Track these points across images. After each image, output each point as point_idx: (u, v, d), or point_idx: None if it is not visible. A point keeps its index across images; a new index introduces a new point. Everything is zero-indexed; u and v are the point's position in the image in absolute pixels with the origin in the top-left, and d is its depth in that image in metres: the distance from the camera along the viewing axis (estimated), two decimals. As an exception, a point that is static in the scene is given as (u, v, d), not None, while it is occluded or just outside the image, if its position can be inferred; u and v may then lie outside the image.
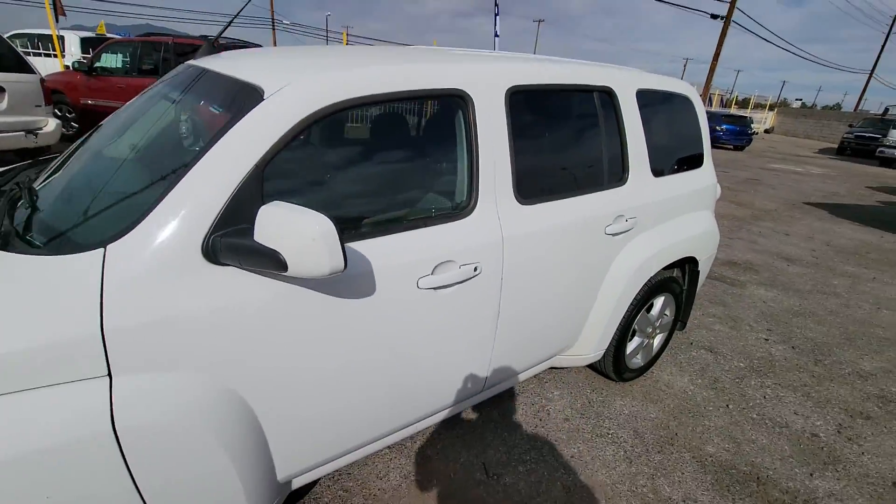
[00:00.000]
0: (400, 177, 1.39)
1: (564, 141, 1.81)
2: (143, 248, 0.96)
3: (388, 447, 1.91)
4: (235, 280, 1.05)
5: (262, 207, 0.97)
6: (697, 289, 2.62)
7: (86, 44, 10.55)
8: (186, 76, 1.53)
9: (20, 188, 1.30)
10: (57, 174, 1.40)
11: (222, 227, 1.02)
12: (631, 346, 2.36)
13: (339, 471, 1.79)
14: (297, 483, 1.42)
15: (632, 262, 2.01)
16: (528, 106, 1.59)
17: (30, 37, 10.22)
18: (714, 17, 21.28)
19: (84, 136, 1.61)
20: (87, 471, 0.90)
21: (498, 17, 12.58)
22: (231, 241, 1.00)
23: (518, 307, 1.64)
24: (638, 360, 2.47)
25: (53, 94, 6.22)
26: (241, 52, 1.55)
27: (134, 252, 0.96)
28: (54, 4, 8.49)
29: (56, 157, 1.62)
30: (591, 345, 2.09)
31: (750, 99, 32.40)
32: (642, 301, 2.20)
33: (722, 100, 31.26)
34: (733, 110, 25.53)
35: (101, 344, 0.91)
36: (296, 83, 1.13)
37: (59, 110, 7.23)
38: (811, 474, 1.97)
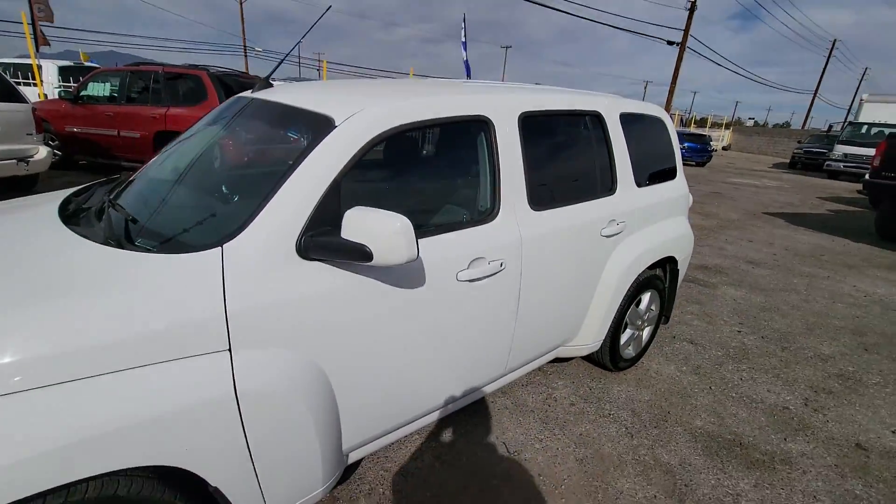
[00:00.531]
0: (439, 187, 1.66)
1: (565, 157, 2.12)
2: (251, 247, 1.19)
3: (419, 434, 2.11)
4: (318, 272, 1.28)
5: (349, 211, 1.21)
6: (678, 286, 2.95)
7: (64, 72, 10.57)
8: (254, 107, 1.76)
9: (142, 200, 1.50)
10: (159, 188, 1.61)
11: (311, 229, 1.26)
12: (624, 338, 2.64)
13: (378, 455, 1.98)
14: (352, 457, 1.62)
15: (623, 261, 2.31)
16: (535, 128, 1.89)
17: (6, 66, 10.16)
18: (670, 43, 22.74)
19: (160, 156, 1.82)
20: (215, 424, 1.10)
21: (466, 44, 13.14)
22: (320, 239, 1.24)
23: (533, 298, 1.90)
24: (630, 351, 2.76)
25: (38, 122, 6.24)
26: (299, 86, 1.80)
27: (244, 250, 1.18)
28: (35, 34, 8.51)
29: (132, 173, 1.81)
30: (592, 334, 2.36)
31: (707, 119, 34.37)
32: (632, 296, 2.50)
33: (682, 119, 33.03)
34: (693, 129, 27.04)
35: (225, 324, 1.12)
36: (361, 113, 1.39)
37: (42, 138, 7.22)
38: (785, 439, 2.27)
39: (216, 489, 1.16)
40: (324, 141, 1.33)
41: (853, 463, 2.14)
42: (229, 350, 1.14)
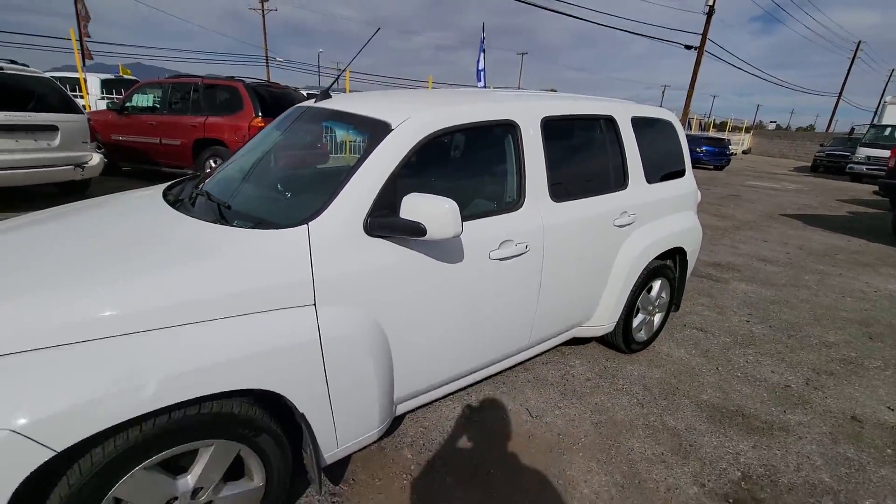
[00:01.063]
0: (474, 180, 1.96)
1: (581, 155, 2.40)
2: (329, 226, 1.50)
3: (451, 399, 2.39)
4: (380, 247, 1.59)
5: (406, 196, 1.51)
6: (687, 276, 3.18)
7: (106, 85, 11.26)
8: (315, 114, 2.09)
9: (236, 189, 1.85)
10: (251, 179, 1.97)
11: (374, 212, 1.56)
12: (636, 322, 2.89)
13: (417, 414, 2.27)
14: (399, 409, 1.91)
15: (634, 249, 2.57)
16: (555, 130, 2.18)
17: (56, 79, 10.84)
18: (688, 47, 22.73)
19: (243, 152, 2.17)
20: (303, 359, 1.40)
21: (484, 52, 13.53)
22: (383, 220, 1.55)
23: (553, 278, 2.18)
24: (642, 335, 3.00)
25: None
26: (355, 97, 2.12)
27: (325, 228, 1.49)
28: (82, 49, 9.15)
29: (205, 172, 2.16)
30: (606, 316, 2.62)
31: (727, 122, 34.03)
32: (643, 283, 2.75)
33: (700, 124, 32.83)
34: (712, 133, 26.87)
35: (312, 284, 1.43)
36: (413, 118, 1.70)
37: (90, 146, 7.77)
38: (784, 411, 2.49)
39: (302, 415, 1.46)
40: (383, 141, 1.64)
41: (847, 432, 2.35)
42: (314, 305, 1.45)
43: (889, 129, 16.57)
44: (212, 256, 1.36)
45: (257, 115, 6.80)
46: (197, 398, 1.25)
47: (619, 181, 2.52)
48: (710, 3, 21.50)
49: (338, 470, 1.90)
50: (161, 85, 7.67)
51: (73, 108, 5.95)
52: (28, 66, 5.90)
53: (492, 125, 1.93)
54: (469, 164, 2.03)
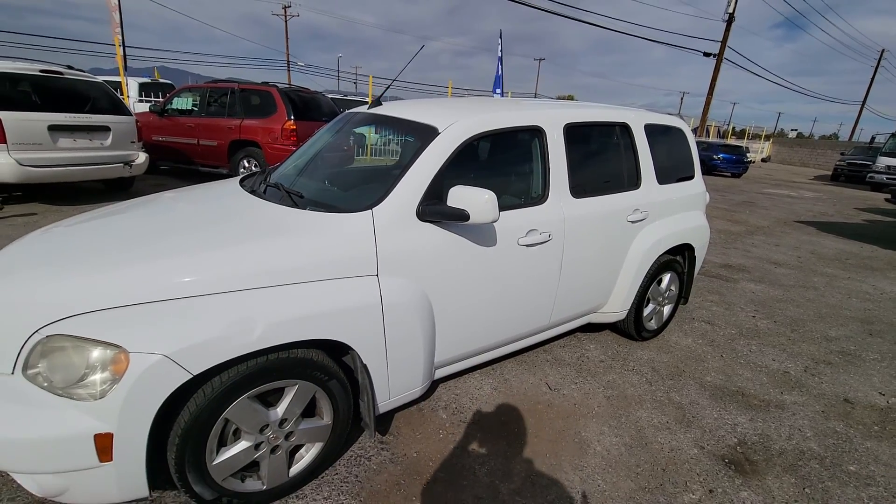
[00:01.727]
0: (506, 176, 2.26)
1: (598, 157, 2.69)
2: (389, 211, 1.82)
3: (479, 372, 2.69)
4: (429, 230, 1.90)
5: (452, 188, 1.82)
6: (695, 271, 3.44)
7: (142, 88, 11.87)
8: (366, 118, 2.43)
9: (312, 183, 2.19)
10: (314, 173, 2.32)
11: (425, 201, 1.88)
12: (647, 311, 3.15)
13: (449, 383, 2.57)
14: (437, 374, 2.21)
15: (646, 243, 2.84)
16: (576, 135, 2.48)
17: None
18: (707, 54, 22.75)
19: (305, 151, 2.52)
20: (369, 318, 1.72)
21: (502, 59, 13.86)
22: (432, 207, 1.86)
23: (572, 265, 2.47)
24: (652, 324, 3.26)
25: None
26: (404, 104, 2.45)
27: (385, 213, 1.81)
28: (124, 54, 9.71)
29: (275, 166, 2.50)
30: (619, 303, 2.90)
31: (746, 130, 33.79)
32: (654, 275, 3.01)
33: (719, 131, 32.65)
34: (730, 141, 26.75)
35: (375, 258, 1.75)
36: (456, 123, 2.01)
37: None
38: (782, 392, 2.73)
39: (365, 366, 1.78)
40: (432, 143, 1.96)
41: (838, 411, 2.59)
42: (377, 276, 1.77)
43: (913, 139, 16.42)
44: (301, 233, 1.70)
45: (290, 118, 7.20)
46: (288, 343, 1.57)
47: (632, 181, 2.80)
48: (731, 10, 21.52)
49: (384, 425, 2.21)
50: (200, 89, 8.15)
51: (122, 110, 6.42)
52: (84, 71, 6.40)
53: (522, 130, 2.24)
54: (502, 162, 2.33)
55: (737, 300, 4.22)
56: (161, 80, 12.81)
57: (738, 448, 2.22)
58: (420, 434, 2.17)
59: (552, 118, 2.36)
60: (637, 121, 2.86)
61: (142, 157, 6.65)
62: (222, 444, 1.57)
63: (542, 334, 2.63)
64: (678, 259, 3.24)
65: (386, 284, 1.77)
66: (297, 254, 1.62)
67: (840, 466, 2.15)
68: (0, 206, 5.10)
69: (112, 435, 1.33)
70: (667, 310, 3.34)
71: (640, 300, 3.01)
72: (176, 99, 8.27)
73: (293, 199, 1.99)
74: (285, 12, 43.10)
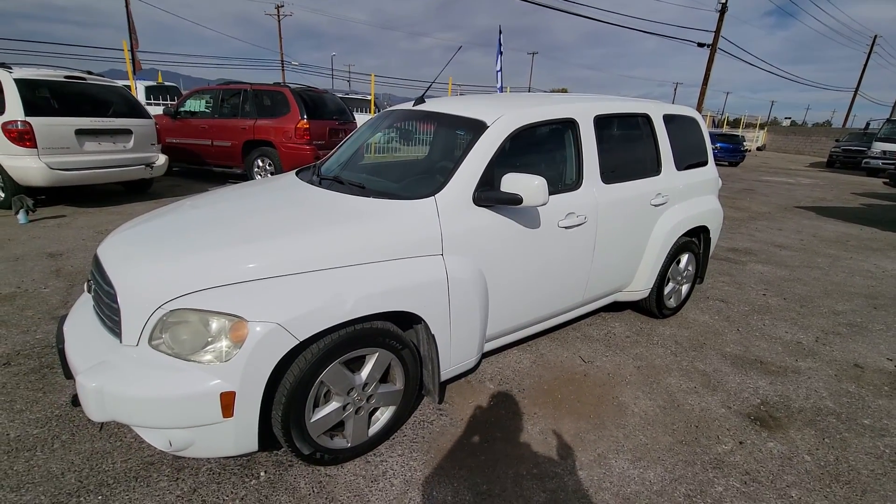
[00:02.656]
0: (545, 164, 2.47)
1: (624, 147, 2.89)
2: (449, 197, 2.02)
3: (517, 348, 2.90)
4: (484, 213, 2.10)
5: (505, 175, 2.03)
6: (710, 252, 3.65)
7: (148, 91, 11.99)
8: (412, 114, 2.64)
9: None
10: (366, 166, 2.53)
11: (479, 188, 2.08)
12: (667, 290, 3.37)
13: (491, 359, 2.78)
14: (486, 347, 2.42)
15: (667, 225, 3.06)
16: (604, 126, 2.68)
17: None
18: (701, 45, 22.96)
19: (350, 144, 2.73)
20: (437, 292, 1.92)
21: (501, 54, 14.03)
22: (487, 193, 2.06)
23: (604, 245, 2.68)
24: (672, 302, 3.48)
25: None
26: (448, 100, 2.65)
27: (446, 199, 2.01)
28: (133, 60, 9.85)
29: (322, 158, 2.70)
30: (642, 282, 3.11)
31: (741, 119, 34.07)
32: (673, 255, 3.23)
33: (714, 121, 32.93)
34: (725, 130, 27.03)
35: (440, 239, 1.96)
36: (503, 117, 2.21)
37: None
38: (796, 360, 2.95)
39: (433, 336, 1.98)
40: (482, 136, 2.16)
41: (850, 374, 2.82)
42: (442, 254, 1.97)
43: (907, 124, 16.68)
44: (378, 217, 1.90)
45: (303, 118, 7.37)
46: (371, 315, 1.78)
47: (654, 168, 3.01)
48: (723, 0, 21.73)
49: (440, 395, 2.41)
50: (212, 91, 8.30)
51: (143, 113, 6.59)
52: (104, 77, 6.55)
53: (558, 122, 2.44)
54: (541, 152, 2.53)
55: (747, 280, 4.45)
56: (166, 83, 12.94)
57: (761, 407, 2.44)
58: (472, 402, 2.38)
59: (583, 110, 2.56)
60: (657, 111, 3.07)
61: (162, 159, 6.82)
62: (316, 405, 1.78)
63: (575, 311, 2.84)
64: (695, 240, 3.45)
65: (450, 262, 1.98)
66: (377, 235, 1.83)
67: (855, 420, 2.37)
68: (33, 209, 5.26)
69: (234, 393, 1.53)
70: (685, 289, 3.56)
71: (662, 279, 3.22)
72: (189, 101, 8.42)
73: (359, 189, 2.19)
74: (278, 12, 43.03)
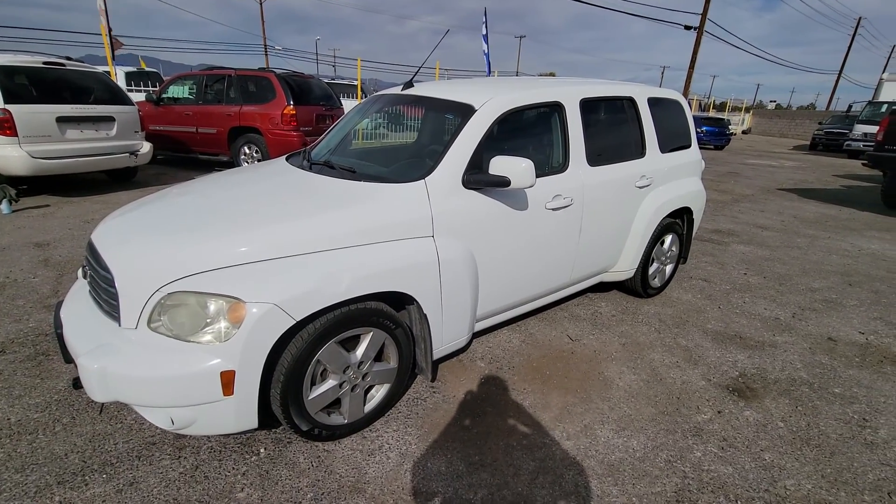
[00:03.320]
0: (533, 147, 2.52)
1: (609, 130, 2.95)
2: (439, 180, 2.07)
3: (507, 328, 2.99)
4: (473, 196, 2.15)
5: (493, 158, 2.08)
6: (693, 233, 3.75)
7: (128, 77, 11.72)
8: (400, 98, 2.65)
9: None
10: (356, 151, 2.55)
11: (468, 171, 2.13)
12: (651, 270, 3.47)
13: (482, 339, 2.86)
14: (477, 327, 2.50)
15: (651, 206, 3.14)
16: (590, 109, 2.73)
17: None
18: (687, 28, 22.97)
19: (338, 131, 2.75)
20: (429, 272, 1.98)
21: (487, 37, 13.93)
22: (476, 176, 2.11)
23: (590, 226, 2.75)
24: (657, 282, 3.59)
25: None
26: (437, 84, 2.67)
27: (436, 182, 2.06)
28: (111, 45, 9.59)
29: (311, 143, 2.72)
30: (628, 262, 3.20)
31: (727, 102, 34.29)
32: (657, 236, 3.32)
33: (700, 104, 33.13)
34: (712, 113, 27.21)
35: (431, 221, 2.01)
36: (490, 101, 2.25)
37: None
38: (773, 334, 3.08)
39: (425, 315, 2.04)
40: (470, 120, 2.20)
41: (823, 347, 2.95)
42: (433, 236, 2.02)
43: (885, 106, 16.96)
44: (369, 201, 1.94)
45: (289, 104, 7.28)
46: (365, 296, 1.83)
47: (638, 150, 3.08)
48: (710, -17, 21.68)
49: (433, 374, 2.49)
50: (195, 77, 8.15)
51: (125, 100, 6.46)
52: (83, 62, 6.40)
53: (545, 105, 2.49)
54: (529, 135, 2.58)
55: (729, 260, 4.58)
56: (147, 69, 12.63)
57: (739, 379, 2.56)
58: (464, 379, 2.47)
59: (570, 94, 2.61)
60: (641, 95, 3.13)
61: (146, 147, 6.72)
62: (313, 383, 1.84)
63: (563, 291, 2.92)
64: (678, 221, 3.54)
65: (440, 244, 2.03)
66: (369, 218, 1.87)
67: (827, 389, 2.50)
68: (17, 199, 5.18)
69: (234, 372, 1.58)
70: (669, 269, 3.67)
71: (646, 259, 3.32)
72: (171, 87, 8.27)
73: (350, 173, 2.22)
74: (261, -6, 41.91)
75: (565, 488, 1.78)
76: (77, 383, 1.80)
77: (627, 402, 2.32)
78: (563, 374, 2.55)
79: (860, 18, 37.24)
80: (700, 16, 22.20)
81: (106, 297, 1.75)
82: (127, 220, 1.95)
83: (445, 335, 2.19)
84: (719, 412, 2.27)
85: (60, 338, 1.82)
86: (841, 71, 38.23)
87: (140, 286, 1.64)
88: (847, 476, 1.90)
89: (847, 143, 17.20)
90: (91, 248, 1.90)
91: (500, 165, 2.06)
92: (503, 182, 2.06)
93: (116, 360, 1.58)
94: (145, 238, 1.77)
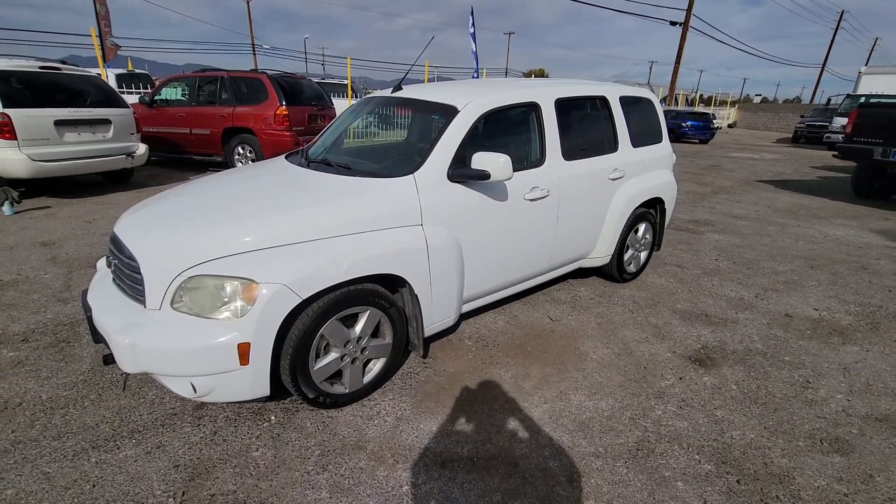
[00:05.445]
0: (512, 144, 2.77)
1: (583, 127, 3.21)
2: (426, 175, 2.30)
3: (492, 311, 3.24)
4: (458, 189, 2.39)
5: (475, 154, 2.32)
6: (666, 222, 4.03)
7: (119, 79, 11.79)
8: (390, 100, 2.89)
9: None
10: (350, 149, 2.78)
11: (453, 166, 2.37)
12: (627, 256, 3.73)
13: (469, 321, 3.11)
14: (463, 308, 2.74)
15: (624, 197, 3.40)
16: (565, 108, 2.98)
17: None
18: (673, 23, 23.37)
19: (332, 130, 2.97)
20: (419, 257, 2.22)
21: (475, 35, 14.17)
22: (459, 170, 2.35)
23: (566, 216, 3.00)
24: (632, 268, 3.86)
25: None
26: (423, 87, 2.90)
27: (424, 176, 2.30)
28: (102, 47, 9.67)
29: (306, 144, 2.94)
30: (604, 249, 3.47)
31: (713, 97, 34.86)
32: (631, 225, 3.58)
33: (687, 99, 33.65)
34: (698, 108, 27.69)
35: (419, 211, 2.25)
36: (472, 102, 2.49)
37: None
38: (736, 312, 3.37)
39: (416, 296, 2.29)
40: (454, 119, 2.44)
41: (779, 322, 3.24)
42: (422, 225, 2.26)
43: (863, 99, 17.45)
44: (366, 193, 2.18)
45: (282, 104, 7.47)
46: (363, 277, 2.07)
47: (611, 145, 3.34)
48: (694, -21, 22.07)
49: (424, 350, 2.73)
50: (188, 79, 8.29)
51: (120, 102, 6.61)
52: (78, 66, 6.53)
53: (522, 105, 2.73)
54: (508, 133, 2.83)
55: (702, 248, 4.87)
56: (137, 71, 12.70)
57: (701, 351, 2.84)
58: (453, 356, 2.71)
59: (545, 94, 2.86)
60: (613, 93, 3.39)
61: (142, 148, 6.88)
62: (317, 355, 2.07)
63: (543, 276, 3.18)
64: (651, 211, 3.82)
65: (429, 231, 2.27)
66: (365, 209, 2.11)
67: (778, 358, 2.79)
68: (18, 201, 5.33)
69: (249, 344, 1.81)
70: (643, 255, 3.94)
71: (622, 246, 3.59)
72: (164, 89, 8.39)
73: (346, 169, 2.45)
74: (247, -7, 41.67)
75: (541, 442, 2.04)
76: (108, 359, 2.02)
77: (599, 372, 2.58)
78: (543, 349, 2.80)
79: (842, 12, 37.99)
80: (685, 11, 22.60)
81: (131, 282, 1.97)
82: (147, 214, 2.17)
83: (435, 314, 2.44)
84: (680, 378, 2.54)
85: (90, 320, 2.04)
86: (824, 64, 38.97)
87: (163, 272, 1.87)
88: (786, 427, 2.18)
89: (827, 135, 17.67)
90: (115, 240, 2.12)
91: (480, 160, 2.30)
92: (484, 175, 2.30)
93: (145, 336, 1.81)
94: (166, 229, 1.99)
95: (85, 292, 2.20)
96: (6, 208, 5.20)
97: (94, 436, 1.99)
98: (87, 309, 2.07)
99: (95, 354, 2.56)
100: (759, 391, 2.45)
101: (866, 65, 20.04)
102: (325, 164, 2.60)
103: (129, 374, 2.20)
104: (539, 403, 2.29)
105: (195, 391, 1.87)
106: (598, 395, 2.38)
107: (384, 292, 2.19)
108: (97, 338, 2.07)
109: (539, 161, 2.82)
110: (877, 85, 18.38)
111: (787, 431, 2.15)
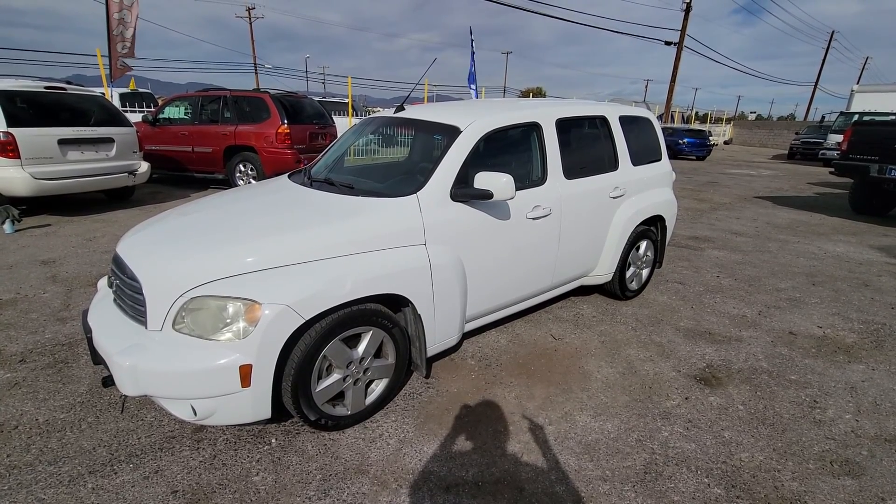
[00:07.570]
0: (514, 163, 2.79)
1: (584, 146, 3.23)
2: (430, 194, 2.31)
3: (495, 329, 3.22)
4: (460, 208, 2.40)
5: (478, 173, 2.33)
6: (667, 239, 4.04)
7: (122, 98, 11.93)
8: (393, 120, 2.92)
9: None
10: (353, 168, 2.79)
11: (455, 185, 2.38)
12: (628, 274, 3.73)
13: (472, 339, 3.08)
14: (466, 327, 2.72)
15: (626, 215, 3.41)
16: (565, 127, 3.01)
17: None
18: (668, 43, 23.80)
19: (336, 149, 2.99)
20: (422, 276, 2.21)
21: (474, 55, 14.42)
22: (462, 190, 2.36)
23: (568, 234, 3.01)
24: (634, 285, 3.85)
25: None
26: (425, 107, 2.93)
27: (427, 196, 2.30)
28: (111, 67, 9.79)
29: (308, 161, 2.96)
30: (606, 267, 3.46)
31: (709, 114, 35.32)
32: (633, 242, 3.59)
33: (683, 117, 34.08)
34: (694, 125, 28.02)
35: (423, 230, 2.25)
36: (474, 123, 2.52)
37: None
38: (740, 330, 3.35)
39: (419, 315, 2.27)
40: (457, 140, 2.46)
41: (784, 340, 3.22)
42: (425, 244, 2.26)
43: (856, 117, 17.69)
44: (369, 213, 2.18)
45: (283, 123, 7.54)
46: (366, 297, 2.06)
47: (611, 164, 3.37)
48: (687, 0, 22.61)
49: (427, 370, 2.70)
50: (191, 98, 8.39)
51: (123, 121, 6.67)
52: (83, 86, 6.61)
53: (524, 125, 2.76)
54: (510, 152, 2.85)
55: (703, 264, 4.87)
56: (141, 90, 12.86)
57: (706, 370, 2.81)
58: (455, 376, 2.68)
59: (546, 114, 2.89)
60: (613, 113, 3.43)
61: (144, 167, 6.92)
62: (320, 377, 2.05)
63: (546, 294, 3.17)
64: (652, 229, 3.82)
65: (432, 251, 2.27)
66: (368, 229, 2.11)
67: (784, 377, 2.76)
68: (19, 219, 5.34)
69: (251, 366, 1.79)
70: (645, 272, 3.93)
71: (623, 264, 3.58)
72: (167, 108, 8.49)
73: (349, 188, 2.46)
74: (249, 14, 42.50)
75: (547, 465, 2.00)
76: (107, 381, 1.99)
77: (604, 392, 2.55)
78: (546, 368, 2.78)
79: (833, 32, 38.79)
80: (680, 32, 23.05)
81: (132, 303, 1.95)
82: (150, 234, 2.17)
83: (438, 334, 2.42)
84: (686, 398, 2.51)
85: (90, 341, 2.02)
86: (816, 83, 39.64)
87: (165, 292, 1.85)
88: (795, 449, 2.14)
89: (822, 151, 17.87)
90: (117, 260, 2.11)
91: (483, 180, 2.32)
92: (486, 195, 2.31)
93: (146, 358, 1.79)
94: (168, 249, 1.99)
95: (85, 312, 2.19)
96: (7, 226, 5.20)
97: (90, 460, 1.95)
98: (88, 330, 2.05)
99: (94, 375, 2.52)
100: (767, 411, 2.42)
101: (857, 83, 20.41)
102: (327, 184, 2.61)
103: (127, 396, 2.17)
104: (544, 424, 2.26)
105: (195, 414, 1.84)
106: (604, 415, 2.34)
107: (387, 312, 2.17)
108: (97, 359, 2.05)
109: (541, 180, 2.83)
110: (869, 103, 18.68)
111: (796, 453, 2.11)
